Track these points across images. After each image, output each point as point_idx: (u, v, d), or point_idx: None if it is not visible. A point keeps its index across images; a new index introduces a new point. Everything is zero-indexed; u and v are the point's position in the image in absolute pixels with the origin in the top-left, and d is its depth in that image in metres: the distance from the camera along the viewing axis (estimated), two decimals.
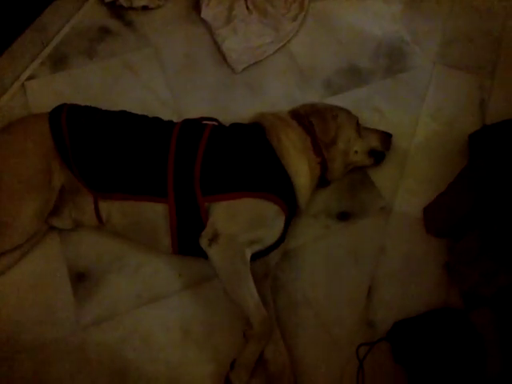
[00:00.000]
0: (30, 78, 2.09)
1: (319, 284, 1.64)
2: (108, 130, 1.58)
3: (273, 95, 2.10)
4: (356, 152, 1.75)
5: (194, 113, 1.83)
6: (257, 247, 1.51)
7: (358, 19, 2.36)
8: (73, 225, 1.66)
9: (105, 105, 1.72)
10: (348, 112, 1.78)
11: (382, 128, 1.89)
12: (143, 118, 1.66)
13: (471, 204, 1.56)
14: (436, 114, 2.03)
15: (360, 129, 1.77)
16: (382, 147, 1.81)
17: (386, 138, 1.82)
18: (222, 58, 2.19)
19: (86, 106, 1.68)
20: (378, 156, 1.81)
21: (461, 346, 1.45)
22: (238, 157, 1.54)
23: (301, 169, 1.59)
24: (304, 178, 1.60)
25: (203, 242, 1.46)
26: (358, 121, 1.77)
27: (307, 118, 1.67)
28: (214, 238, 1.44)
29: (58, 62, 2.15)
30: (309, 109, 1.72)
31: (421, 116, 2.03)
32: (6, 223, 1.49)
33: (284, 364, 1.45)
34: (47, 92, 2.06)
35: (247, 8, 2.28)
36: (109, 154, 1.54)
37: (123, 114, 1.67)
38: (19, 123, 1.67)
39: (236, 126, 1.67)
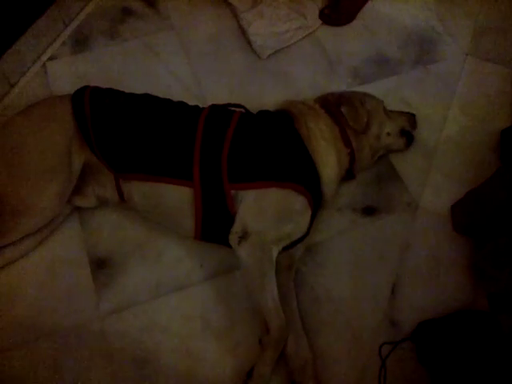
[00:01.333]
0: (51, 58, 2.08)
1: (342, 279, 1.61)
2: (133, 112, 1.55)
3: (298, 83, 2.06)
4: (388, 134, 1.74)
5: (216, 98, 1.80)
6: (283, 244, 1.48)
7: (388, 7, 2.30)
8: (96, 202, 1.66)
9: (125, 87, 1.68)
10: (373, 96, 1.76)
11: None
12: (168, 102, 1.64)
13: (503, 204, 1.52)
14: (466, 108, 1.98)
15: (387, 111, 1.77)
16: (411, 126, 1.81)
17: (411, 117, 1.83)
18: (247, 42, 2.14)
19: (109, 89, 1.65)
20: (408, 136, 1.81)
21: (487, 350, 1.42)
22: (267, 145, 1.50)
23: (329, 160, 1.56)
24: (332, 169, 1.57)
25: (233, 239, 1.43)
26: (383, 104, 1.76)
27: (336, 108, 1.64)
28: (244, 236, 1.41)
29: (80, 42, 2.13)
30: (337, 97, 1.68)
31: (451, 109, 1.98)
32: (27, 205, 1.48)
33: (306, 359, 1.43)
34: (68, 73, 2.05)
35: None
36: (133, 137, 1.51)
37: (148, 96, 1.64)
38: (41, 104, 1.64)
39: (264, 114, 1.63)
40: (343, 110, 1.63)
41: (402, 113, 1.82)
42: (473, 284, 1.60)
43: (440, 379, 1.43)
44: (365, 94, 1.75)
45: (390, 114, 1.76)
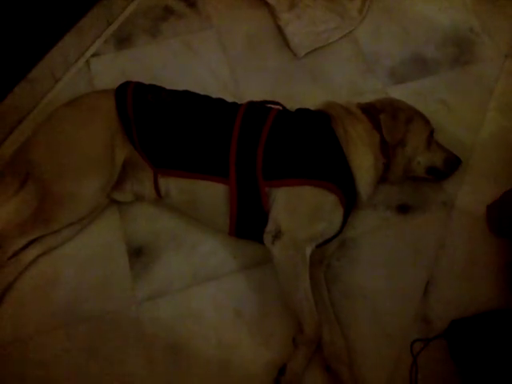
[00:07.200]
0: (95, 55, 2.14)
1: (375, 275, 1.62)
2: (173, 108, 1.58)
3: (335, 82, 2.06)
4: (419, 163, 1.68)
5: (253, 96, 1.81)
6: (316, 243, 1.49)
7: (426, 7, 2.28)
8: (133, 198, 1.69)
9: (166, 83, 1.72)
10: (426, 120, 1.69)
11: (446, 121, 1.85)
12: (208, 98, 1.67)
13: None
14: (505, 109, 1.95)
15: (432, 141, 1.70)
16: (445, 168, 1.71)
17: (454, 160, 1.71)
18: (284, 42, 2.17)
19: (151, 85, 1.69)
20: (438, 175, 1.73)
21: None
22: (301, 143, 1.52)
23: (365, 163, 1.56)
24: (367, 172, 1.56)
25: (267, 239, 1.45)
26: (432, 132, 1.69)
27: (378, 114, 1.62)
28: (277, 235, 1.43)
29: (122, 40, 2.18)
30: (385, 105, 1.66)
31: (488, 110, 1.96)
32: (71, 196, 1.53)
33: (341, 346, 1.45)
34: (111, 69, 2.10)
35: None
36: (173, 132, 1.55)
37: (188, 93, 1.67)
38: (86, 98, 1.69)
39: (301, 112, 1.65)
40: (381, 116, 1.61)
41: (446, 151, 1.71)
42: (507, 284, 1.57)
43: (472, 378, 1.41)
44: (418, 113, 1.69)
45: (433, 146, 1.69)
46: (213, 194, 1.53)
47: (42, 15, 1.85)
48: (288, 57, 2.14)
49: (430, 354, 1.47)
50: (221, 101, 1.68)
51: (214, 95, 1.70)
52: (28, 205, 1.65)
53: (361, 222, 1.71)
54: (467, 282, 1.60)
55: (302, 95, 1.97)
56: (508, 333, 1.43)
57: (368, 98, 1.76)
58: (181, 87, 1.71)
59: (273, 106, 1.66)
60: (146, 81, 1.71)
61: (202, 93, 1.70)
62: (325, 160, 1.50)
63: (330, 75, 2.08)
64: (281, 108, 1.67)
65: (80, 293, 1.59)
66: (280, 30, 2.18)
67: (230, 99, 1.70)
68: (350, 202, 1.54)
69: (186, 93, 1.68)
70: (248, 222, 1.53)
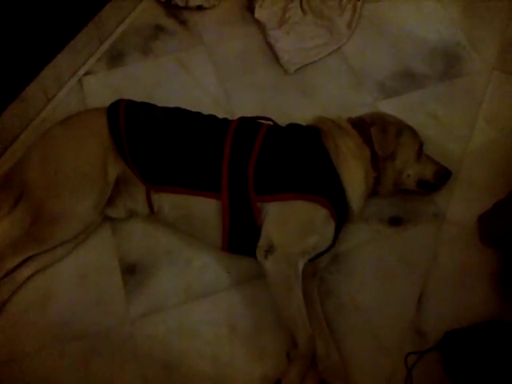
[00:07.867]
0: (87, 73, 2.16)
1: (368, 289, 1.62)
2: (165, 125, 1.60)
3: (325, 97, 2.09)
4: (408, 176, 1.69)
5: (245, 112, 1.83)
6: (309, 257, 1.50)
7: (413, 22, 2.33)
8: (126, 214, 1.70)
9: (158, 101, 1.74)
10: (415, 133, 1.71)
11: (436, 133, 1.87)
12: (199, 115, 1.68)
13: None
14: (493, 121, 1.98)
15: (421, 154, 1.71)
16: (435, 180, 1.72)
17: (444, 173, 1.73)
18: (275, 58, 2.19)
19: (143, 102, 1.71)
20: (429, 187, 1.74)
21: None
22: (293, 158, 1.53)
23: (356, 177, 1.57)
24: (358, 186, 1.57)
25: (259, 254, 1.46)
26: (421, 145, 1.71)
27: (368, 128, 1.63)
28: (269, 250, 1.44)
29: (114, 58, 2.21)
30: (374, 118, 1.67)
31: (477, 122, 1.98)
32: (65, 214, 1.53)
33: (336, 360, 1.44)
34: (103, 87, 2.12)
35: (302, 9, 2.28)
36: (165, 149, 1.56)
37: (179, 110, 1.69)
38: (78, 116, 1.71)
39: (292, 127, 1.66)
40: (372, 130, 1.62)
41: (436, 164, 1.72)
42: (500, 295, 1.58)
43: None
44: (407, 127, 1.70)
45: (423, 159, 1.70)
46: (205, 210, 1.54)
47: (34, 34, 1.86)
48: (278, 72, 2.17)
49: (424, 367, 1.46)
50: (212, 117, 1.69)
51: (206, 111, 1.72)
52: (21, 223, 1.64)
53: (353, 236, 1.71)
54: (460, 293, 1.60)
55: (293, 110, 2.00)
56: (501, 344, 1.43)
57: (358, 112, 1.77)
58: (173, 104, 1.73)
59: (264, 121, 1.68)
60: (138, 98, 1.73)
61: (193, 109, 1.71)
62: (316, 174, 1.52)
63: (321, 90, 2.11)
64: (272, 123, 1.69)
65: (74, 310, 1.58)
66: (270, 47, 2.21)
67: (221, 115, 1.72)
68: (341, 215, 1.55)
69: (178, 110, 1.69)
70: (240, 237, 1.54)
